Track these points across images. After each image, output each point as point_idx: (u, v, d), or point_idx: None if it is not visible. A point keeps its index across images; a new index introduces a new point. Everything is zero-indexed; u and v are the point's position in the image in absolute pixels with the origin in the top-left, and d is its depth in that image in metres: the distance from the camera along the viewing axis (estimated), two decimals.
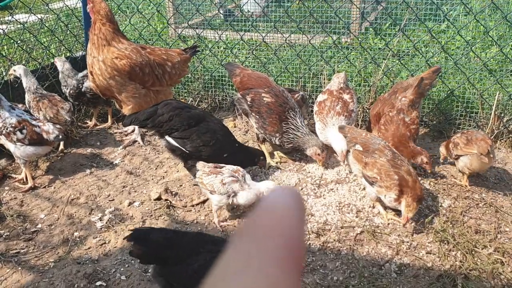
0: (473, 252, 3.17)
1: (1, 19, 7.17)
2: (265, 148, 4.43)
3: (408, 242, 3.30)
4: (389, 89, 4.59)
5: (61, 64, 5.09)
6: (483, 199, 3.75)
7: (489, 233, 3.37)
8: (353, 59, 5.38)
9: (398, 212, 3.61)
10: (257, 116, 4.26)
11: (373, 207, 3.67)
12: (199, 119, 3.83)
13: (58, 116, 4.53)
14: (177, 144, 3.81)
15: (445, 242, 3.26)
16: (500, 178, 4.06)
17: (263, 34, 5.35)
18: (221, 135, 3.82)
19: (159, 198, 3.87)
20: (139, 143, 4.86)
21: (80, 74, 5.08)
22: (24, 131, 3.97)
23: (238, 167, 3.56)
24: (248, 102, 4.36)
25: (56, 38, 5.72)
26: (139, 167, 4.46)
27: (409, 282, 2.94)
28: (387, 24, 6.14)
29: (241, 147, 4.06)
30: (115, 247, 3.34)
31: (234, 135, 4.19)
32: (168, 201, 3.82)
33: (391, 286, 2.88)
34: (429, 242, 3.30)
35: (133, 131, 5.02)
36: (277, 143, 4.25)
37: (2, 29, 5.23)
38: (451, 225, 3.41)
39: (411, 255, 3.19)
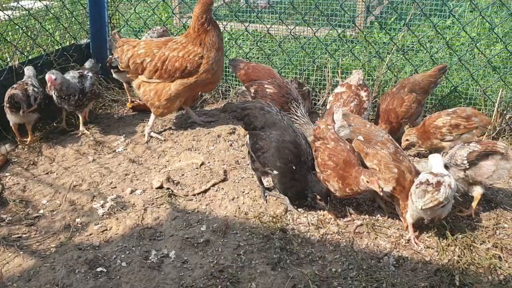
0: (471, 247, 3.19)
1: (6, 5, 7.16)
2: None
3: (407, 236, 3.32)
4: (396, 84, 4.63)
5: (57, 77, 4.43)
6: (483, 195, 3.76)
7: (488, 229, 3.39)
8: (357, 52, 5.37)
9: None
10: None
11: (373, 200, 3.69)
12: (265, 125, 3.56)
13: None
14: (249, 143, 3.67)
15: (444, 237, 3.28)
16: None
17: (268, 26, 5.34)
18: (279, 146, 3.45)
19: (161, 187, 3.89)
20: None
21: (71, 74, 4.72)
22: None
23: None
24: (252, 94, 4.39)
25: (61, 25, 5.71)
26: (141, 156, 4.48)
27: (407, 275, 2.97)
28: (392, 19, 6.12)
29: (304, 169, 3.49)
30: (116, 234, 3.37)
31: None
32: (170, 190, 3.85)
33: (389, 279, 2.90)
34: (428, 237, 3.32)
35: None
36: None
37: (7, 15, 5.22)
38: (450, 220, 3.43)
39: (409, 249, 3.21)
